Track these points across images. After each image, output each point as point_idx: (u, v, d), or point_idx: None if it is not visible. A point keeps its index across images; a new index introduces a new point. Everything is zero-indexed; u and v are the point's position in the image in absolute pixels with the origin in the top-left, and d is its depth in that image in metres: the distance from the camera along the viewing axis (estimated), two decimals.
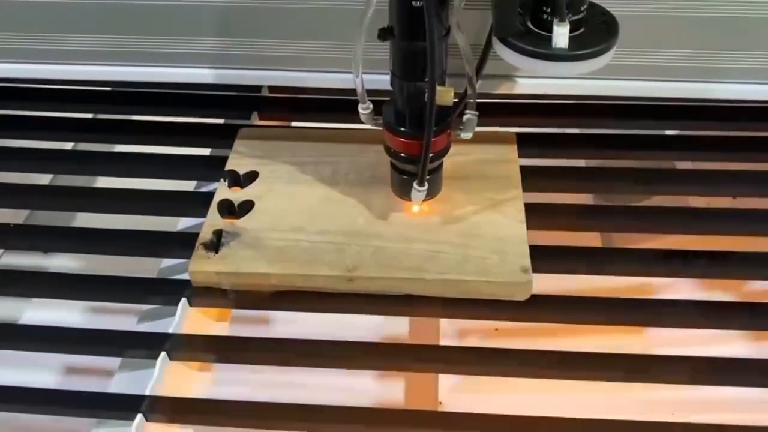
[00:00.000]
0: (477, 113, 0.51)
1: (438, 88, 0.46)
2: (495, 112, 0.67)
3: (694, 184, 0.63)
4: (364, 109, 0.52)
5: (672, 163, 0.68)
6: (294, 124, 0.72)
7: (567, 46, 0.45)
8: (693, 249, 0.56)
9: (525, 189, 0.58)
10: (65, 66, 0.65)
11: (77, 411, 0.50)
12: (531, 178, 0.59)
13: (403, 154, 0.51)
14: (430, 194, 0.53)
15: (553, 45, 0.46)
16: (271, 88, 0.72)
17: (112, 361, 0.53)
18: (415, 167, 0.51)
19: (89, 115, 0.73)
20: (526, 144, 0.62)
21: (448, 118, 0.50)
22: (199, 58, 0.63)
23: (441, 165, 0.54)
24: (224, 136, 0.64)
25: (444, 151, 0.52)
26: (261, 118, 0.70)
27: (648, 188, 0.63)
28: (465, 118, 0.51)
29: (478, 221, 0.56)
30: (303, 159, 0.61)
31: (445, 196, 0.57)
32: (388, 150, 0.52)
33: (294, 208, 0.57)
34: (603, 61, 0.47)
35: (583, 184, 0.63)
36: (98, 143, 0.70)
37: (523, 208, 0.56)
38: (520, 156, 0.61)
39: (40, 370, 0.59)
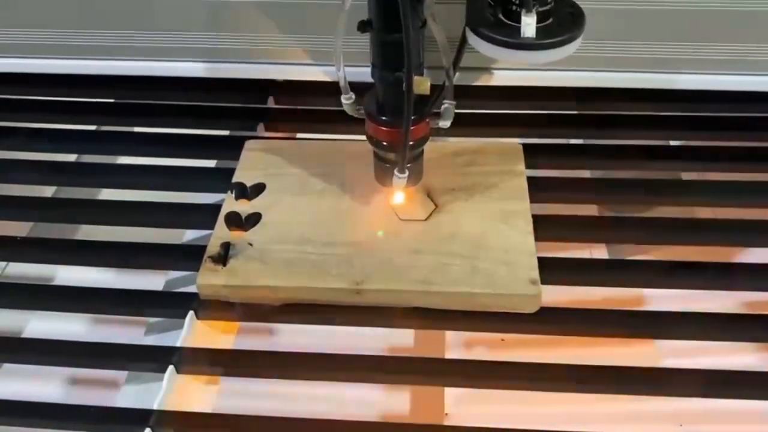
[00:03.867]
0: (455, 102, 0.53)
1: (415, 77, 0.47)
2: (501, 123, 0.67)
3: (701, 194, 0.63)
4: (347, 99, 0.54)
5: (678, 174, 0.68)
6: (300, 135, 0.72)
7: (534, 36, 0.47)
8: (700, 260, 0.56)
9: (532, 200, 0.58)
10: (74, 61, 0.67)
11: (84, 425, 0.49)
12: (538, 189, 0.59)
13: (384, 143, 0.53)
14: (411, 182, 0.55)
15: (521, 35, 0.47)
16: (277, 100, 0.72)
17: (119, 375, 0.53)
18: (395, 155, 0.52)
19: (93, 127, 0.73)
20: (533, 155, 0.62)
21: (426, 107, 0.52)
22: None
23: (422, 153, 0.55)
24: (230, 148, 0.64)
25: (423, 139, 0.54)
26: (267, 130, 0.70)
27: (655, 199, 0.63)
28: (443, 107, 0.53)
29: (485, 233, 0.55)
30: (310, 171, 0.61)
31: (453, 207, 0.57)
32: (370, 139, 0.54)
33: (301, 220, 0.57)
34: (569, 50, 0.49)
35: (590, 195, 0.63)
36: (102, 155, 0.70)
37: (531, 220, 0.56)
38: (527, 167, 0.61)
39: (46, 384, 0.59)
